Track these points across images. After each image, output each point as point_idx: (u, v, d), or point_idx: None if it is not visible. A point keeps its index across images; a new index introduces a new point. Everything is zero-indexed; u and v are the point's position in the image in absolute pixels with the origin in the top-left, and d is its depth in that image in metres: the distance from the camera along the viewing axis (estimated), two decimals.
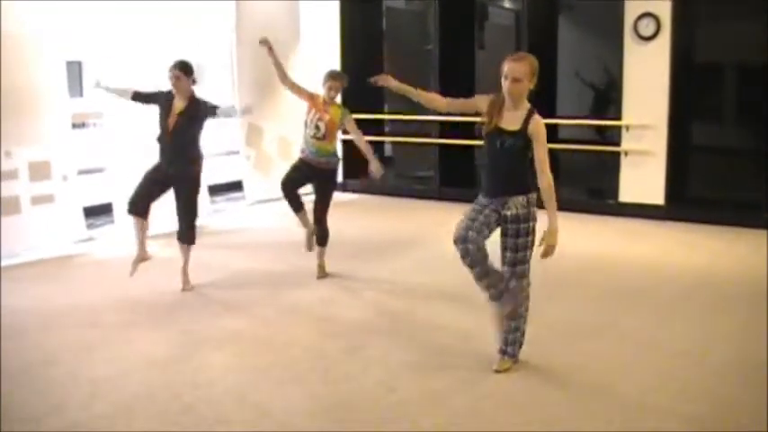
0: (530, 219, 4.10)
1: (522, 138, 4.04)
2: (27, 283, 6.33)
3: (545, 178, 4.04)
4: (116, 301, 5.72)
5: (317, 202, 6.28)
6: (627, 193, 8.70)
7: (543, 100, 9.61)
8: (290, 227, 8.23)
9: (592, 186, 10.21)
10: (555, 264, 6.59)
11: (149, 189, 5.84)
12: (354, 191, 10.44)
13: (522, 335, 4.30)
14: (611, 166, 8.93)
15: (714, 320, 5.24)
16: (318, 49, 10.56)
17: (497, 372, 4.24)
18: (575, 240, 7.45)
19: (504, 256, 4.17)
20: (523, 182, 4.11)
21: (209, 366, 4.47)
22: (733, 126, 8.97)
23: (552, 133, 9.76)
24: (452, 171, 9.78)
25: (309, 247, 6.40)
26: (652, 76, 8.42)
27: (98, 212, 8.36)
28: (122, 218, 8.00)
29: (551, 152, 9.71)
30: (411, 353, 4.65)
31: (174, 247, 6.14)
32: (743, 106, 8.85)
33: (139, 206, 5.84)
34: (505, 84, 4.01)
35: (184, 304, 5.67)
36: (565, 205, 9.07)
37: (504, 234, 4.14)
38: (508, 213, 4.08)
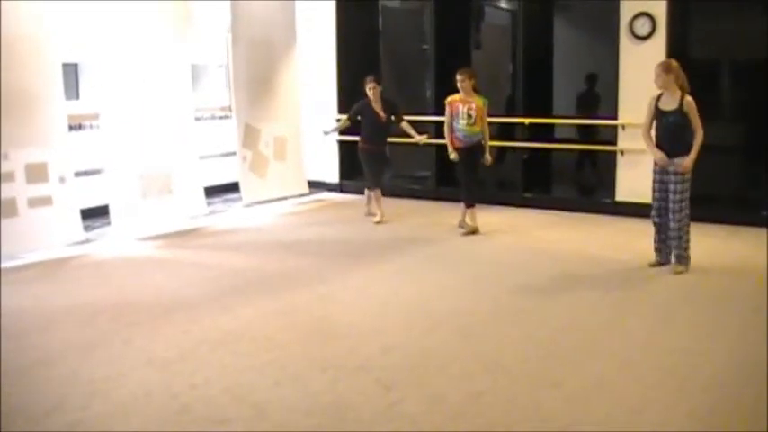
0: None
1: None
2: (25, 284, 6.33)
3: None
4: (113, 302, 5.73)
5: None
6: (623, 193, 8.72)
7: (539, 99, 9.70)
8: (286, 227, 8.25)
9: (588, 185, 10.23)
10: (552, 263, 6.64)
11: (379, 168, 8.78)
12: (351, 192, 10.45)
13: (687, 244, 6.24)
14: (607, 165, 8.94)
15: (713, 318, 5.25)
16: (314, 49, 10.57)
17: (677, 274, 6.12)
18: (571, 240, 7.56)
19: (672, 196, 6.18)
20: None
21: (207, 366, 4.48)
22: (730, 124, 8.99)
23: (548, 132, 9.81)
24: (449, 171, 9.78)
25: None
26: (648, 75, 8.40)
27: (95, 214, 8.36)
28: (119, 219, 8.05)
29: (548, 152, 9.71)
30: (408, 351, 4.66)
31: (171, 248, 6.14)
32: (739, 104, 8.86)
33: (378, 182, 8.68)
34: None
35: (181, 304, 5.67)
36: (560, 204, 9.20)
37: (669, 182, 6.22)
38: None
